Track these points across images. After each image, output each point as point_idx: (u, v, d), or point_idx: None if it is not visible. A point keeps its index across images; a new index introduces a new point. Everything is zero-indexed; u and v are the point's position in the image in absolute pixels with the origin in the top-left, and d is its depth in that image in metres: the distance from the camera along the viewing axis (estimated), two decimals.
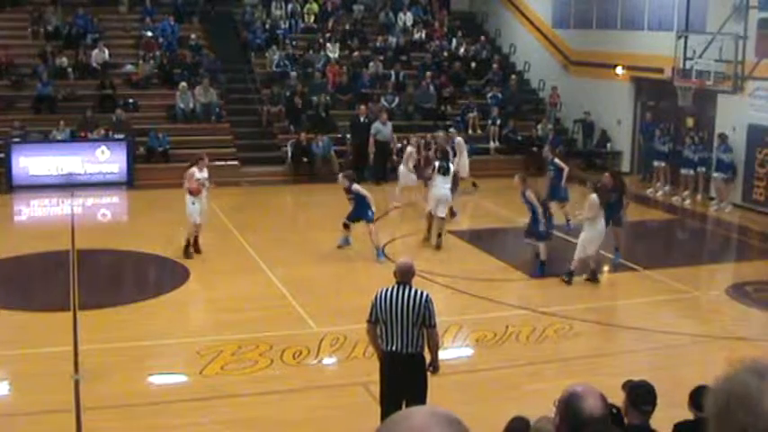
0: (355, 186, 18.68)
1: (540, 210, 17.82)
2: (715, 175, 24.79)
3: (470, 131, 30.49)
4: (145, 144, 27.58)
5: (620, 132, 30.98)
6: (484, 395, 11.93)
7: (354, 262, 18.75)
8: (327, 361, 13.49)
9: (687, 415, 7.75)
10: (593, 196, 17.05)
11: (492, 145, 30.56)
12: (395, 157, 28.43)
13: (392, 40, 34.51)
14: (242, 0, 35.23)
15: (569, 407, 4.78)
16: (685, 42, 24.26)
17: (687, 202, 25.79)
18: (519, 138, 30.86)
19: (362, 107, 28.92)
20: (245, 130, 29.68)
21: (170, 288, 16.78)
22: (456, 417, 2.14)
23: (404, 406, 9.22)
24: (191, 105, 29.03)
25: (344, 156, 28.74)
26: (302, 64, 31.97)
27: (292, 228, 22.79)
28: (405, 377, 9.65)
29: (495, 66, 34.32)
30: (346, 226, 19.13)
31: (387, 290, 9.70)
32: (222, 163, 27.54)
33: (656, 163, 27.53)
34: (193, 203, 18.40)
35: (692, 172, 25.61)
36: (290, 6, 35.12)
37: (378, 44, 34.30)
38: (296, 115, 29.30)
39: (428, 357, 9.86)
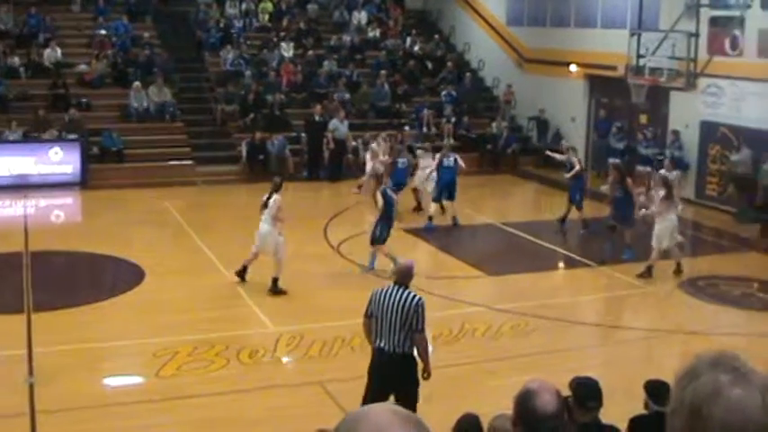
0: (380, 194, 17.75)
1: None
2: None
3: (425, 129, 30.55)
4: (98, 144, 27.32)
5: (574, 129, 31.19)
6: (441, 393, 11.92)
7: (310, 261, 18.73)
8: (284, 360, 13.50)
9: (642, 409, 7.84)
10: (662, 190, 17.69)
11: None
12: (350, 156, 28.49)
13: (346, 38, 34.50)
14: None
15: (524, 404, 4.80)
16: (638, 40, 24.49)
17: (642, 198, 25.95)
18: (473, 135, 30.97)
19: (318, 106, 28.87)
20: (199, 129, 29.51)
21: (125, 289, 16.62)
22: (416, 416, 2.13)
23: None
24: (144, 105, 28.84)
25: (300, 154, 28.68)
26: (256, 63, 31.87)
27: (248, 227, 22.51)
28: (389, 375, 9.79)
29: (449, 64, 34.41)
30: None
31: (383, 288, 10.00)
32: (177, 162, 27.45)
33: (610, 160, 27.72)
34: (280, 233, 16.58)
35: (647, 168, 25.79)
36: (244, 5, 34.99)
37: (332, 43, 34.27)
38: (250, 114, 29.21)
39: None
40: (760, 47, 23.56)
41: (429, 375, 10.07)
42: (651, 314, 16.78)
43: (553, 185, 26.98)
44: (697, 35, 22.95)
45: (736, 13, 23.49)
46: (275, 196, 16.32)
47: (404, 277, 10.01)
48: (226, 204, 25.11)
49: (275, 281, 16.31)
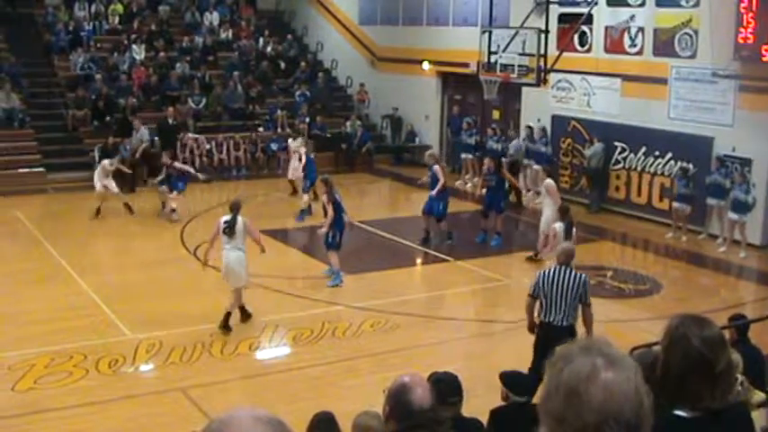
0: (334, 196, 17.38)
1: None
2: (536, 167, 25.42)
3: (279, 130, 30.52)
4: None
5: (428, 127, 31.65)
6: (302, 393, 12.03)
7: (168, 266, 18.55)
8: (144, 368, 13.36)
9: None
10: (549, 180, 19.25)
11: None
12: (204, 159, 28.33)
13: (198, 40, 34.19)
14: (44, 1, 34.11)
15: (398, 398, 4.85)
16: (489, 37, 24.90)
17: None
18: (328, 135, 31.08)
19: (170, 109, 28.46)
20: (50, 135, 28.78)
21: None
22: (279, 419, 2.17)
23: None
24: None
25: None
26: (107, 66, 31.32)
27: (103, 234, 22.28)
28: (555, 347, 10.16)
29: (302, 64, 34.48)
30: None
31: (549, 270, 11.48)
32: (27, 170, 26.78)
33: (463, 155, 28.28)
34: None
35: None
36: (93, 7, 34.32)
37: (184, 44, 33.91)
38: (102, 118, 28.72)
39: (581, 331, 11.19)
40: (607, 43, 24.41)
41: None
42: (509, 306, 17.15)
43: (407, 182, 27.28)
44: (547, 31, 23.46)
45: (584, 9, 24.23)
46: (240, 218, 14.72)
47: (568, 258, 11.48)
48: (79, 211, 24.56)
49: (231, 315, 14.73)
